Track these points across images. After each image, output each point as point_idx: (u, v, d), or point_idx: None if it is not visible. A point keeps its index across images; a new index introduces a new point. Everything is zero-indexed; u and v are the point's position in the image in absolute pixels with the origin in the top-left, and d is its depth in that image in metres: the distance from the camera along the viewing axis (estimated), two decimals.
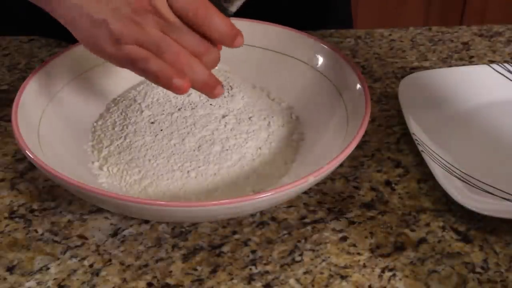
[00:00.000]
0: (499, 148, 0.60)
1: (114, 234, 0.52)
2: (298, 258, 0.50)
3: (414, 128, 0.60)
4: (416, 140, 0.58)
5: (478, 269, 0.49)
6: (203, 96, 0.59)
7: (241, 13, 0.64)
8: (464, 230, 0.52)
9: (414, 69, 0.72)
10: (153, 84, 0.61)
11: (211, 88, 0.50)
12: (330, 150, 0.53)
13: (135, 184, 0.53)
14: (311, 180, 0.48)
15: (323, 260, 0.50)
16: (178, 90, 0.47)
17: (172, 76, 0.47)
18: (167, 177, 0.53)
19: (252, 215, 0.53)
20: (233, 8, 0.53)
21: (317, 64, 0.62)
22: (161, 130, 0.56)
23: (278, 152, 0.57)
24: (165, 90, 0.60)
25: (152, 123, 0.57)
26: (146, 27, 0.48)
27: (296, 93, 0.63)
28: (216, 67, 0.64)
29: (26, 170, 0.58)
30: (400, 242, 0.51)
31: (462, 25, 0.82)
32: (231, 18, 0.64)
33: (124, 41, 0.47)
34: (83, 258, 0.50)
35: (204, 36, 0.49)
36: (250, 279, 0.48)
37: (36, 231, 0.52)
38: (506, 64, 0.68)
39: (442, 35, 0.79)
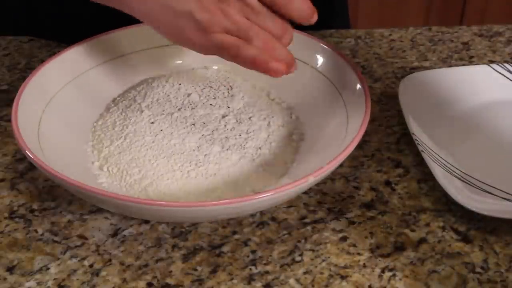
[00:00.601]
0: (499, 148, 0.60)
1: (114, 234, 0.52)
2: (298, 258, 0.50)
3: (414, 128, 0.60)
4: (416, 140, 0.58)
5: (478, 269, 0.49)
6: (203, 96, 0.59)
7: None
8: (464, 230, 0.52)
9: (414, 69, 0.72)
10: (153, 84, 0.61)
11: (291, 67, 0.50)
12: (330, 150, 0.53)
13: (135, 184, 0.53)
14: (311, 180, 0.48)
15: (323, 260, 0.50)
16: (276, 73, 0.49)
17: (268, 60, 0.48)
18: (167, 177, 0.53)
19: (252, 215, 0.53)
20: None
21: (317, 64, 0.62)
22: (161, 130, 0.56)
23: (278, 152, 0.57)
24: (165, 90, 0.60)
25: (152, 123, 0.57)
26: (232, 15, 0.49)
27: (296, 93, 0.63)
28: (216, 67, 0.65)
29: (26, 170, 0.58)
30: (400, 242, 0.51)
31: (462, 25, 0.82)
32: None
33: (213, 30, 0.48)
34: (83, 258, 0.50)
35: (282, 16, 0.50)
36: (250, 279, 0.48)
37: (36, 231, 0.52)
38: (506, 64, 0.68)
39: (442, 35, 0.79)
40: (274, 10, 0.50)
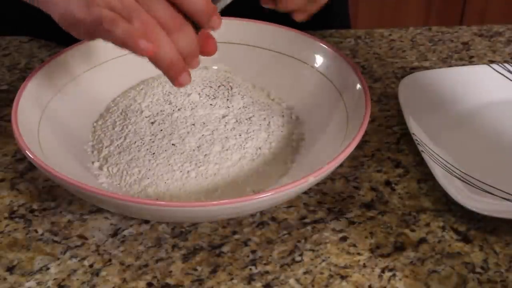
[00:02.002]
0: (499, 148, 0.60)
1: (114, 234, 0.52)
2: (298, 258, 0.50)
3: (414, 128, 0.60)
4: (416, 140, 0.58)
5: (478, 269, 0.49)
6: (203, 96, 0.59)
7: (241, 13, 0.64)
8: (464, 230, 0.52)
9: (414, 69, 0.72)
10: (153, 84, 0.61)
11: (175, 72, 0.47)
12: (330, 150, 0.53)
13: (135, 184, 0.53)
14: (311, 180, 0.48)
15: (323, 260, 0.50)
16: (143, 52, 0.45)
17: (138, 37, 0.45)
18: (167, 177, 0.53)
19: (252, 215, 0.53)
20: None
21: (317, 64, 0.62)
22: (161, 130, 0.56)
23: (278, 152, 0.57)
24: (165, 90, 0.60)
25: (152, 123, 0.57)
26: None
27: (296, 93, 0.63)
28: (216, 67, 0.65)
29: (26, 170, 0.58)
30: (400, 242, 0.51)
31: (462, 25, 0.82)
32: (231, 18, 0.64)
33: (96, 3, 0.46)
34: (83, 258, 0.50)
35: (180, 11, 0.47)
36: (250, 279, 0.48)
37: (36, 231, 0.52)
38: (506, 64, 0.68)
39: (442, 35, 0.79)
40: (173, 3, 0.47)
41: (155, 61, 0.47)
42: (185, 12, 0.47)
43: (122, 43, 0.46)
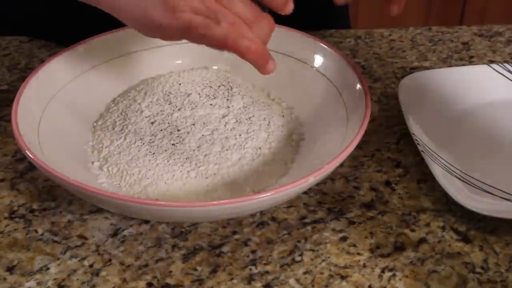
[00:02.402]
0: (499, 148, 0.60)
1: (114, 234, 0.52)
2: (298, 258, 0.50)
3: (414, 128, 0.60)
4: (416, 140, 0.58)
5: (478, 269, 0.49)
6: (203, 96, 0.59)
7: None
8: (464, 230, 0.52)
9: (414, 69, 0.72)
10: (153, 84, 0.61)
11: (263, 61, 0.49)
12: (330, 150, 0.53)
13: (135, 184, 0.53)
14: (311, 180, 0.48)
15: (323, 260, 0.50)
16: (246, 52, 0.47)
17: (238, 37, 0.47)
18: (167, 177, 0.53)
19: (252, 215, 0.53)
20: None
21: (317, 64, 0.62)
22: (161, 130, 0.56)
23: (278, 152, 0.57)
24: (165, 90, 0.60)
25: (152, 123, 0.57)
26: None
27: (296, 93, 0.63)
28: (216, 67, 0.65)
29: (26, 170, 0.58)
30: (400, 242, 0.51)
31: (462, 25, 0.82)
32: None
33: (181, 9, 0.47)
34: (83, 258, 0.50)
35: (255, 2, 0.49)
36: (250, 279, 0.48)
37: (36, 231, 0.52)
38: (506, 64, 0.68)
39: (442, 35, 0.79)
40: None
41: (246, 55, 0.47)
42: (264, 3, 0.49)
43: (219, 45, 0.47)
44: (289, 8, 0.50)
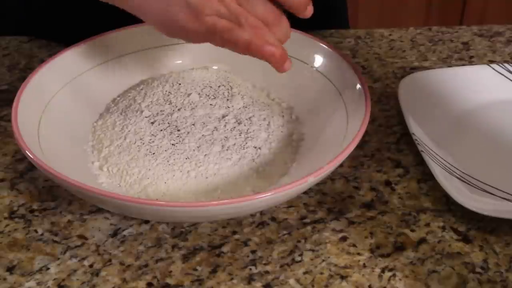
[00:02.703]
0: (499, 148, 0.60)
1: (114, 234, 0.52)
2: (298, 258, 0.50)
3: (414, 128, 0.60)
4: (416, 140, 0.58)
5: (478, 269, 0.49)
6: (203, 96, 0.59)
7: None
8: (464, 230, 0.52)
9: (414, 69, 0.72)
10: (153, 84, 0.61)
11: (283, 62, 0.50)
12: (330, 150, 0.53)
13: (135, 184, 0.53)
14: (311, 180, 0.48)
15: (323, 260, 0.50)
16: (271, 57, 0.48)
17: (263, 43, 0.48)
18: (167, 177, 0.53)
19: (252, 215, 0.53)
20: None
21: (317, 64, 0.62)
22: (161, 130, 0.56)
23: (278, 152, 0.57)
24: (165, 90, 0.60)
25: (152, 123, 0.57)
26: None
27: (296, 93, 0.63)
28: (216, 67, 0.65)
29: (26, 170, 0.58)
30: (400, 242, 0.51)
31: (462, 25, 0.82)
32: None
33: (205, 13, 0.48)
34: (83, 258, 0.50)
35: (277, 5, 0.50)
36: (250, 279, 0.48)
37: (36, 231, 0.52)
38: (506, 64, 0.68)
39: (442, 35, 0.79)
40: None
41: (269, 59, 0.49)
42: (285, 7, 0.50)
43: (245, 51, 0.49)
44: (309, 11, 0.51)
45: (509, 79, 0.67)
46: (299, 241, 0.51)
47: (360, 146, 0.60)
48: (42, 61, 0.71)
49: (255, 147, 0.56)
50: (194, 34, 0.49)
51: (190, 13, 0.48)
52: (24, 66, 0.72)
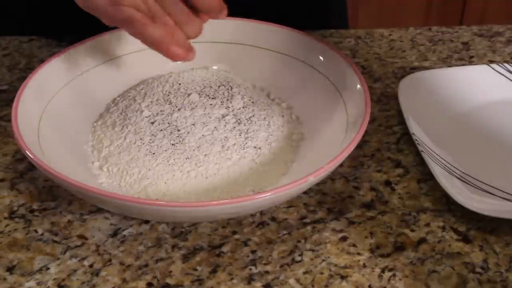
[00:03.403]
0: (499, 148, 0.60)
1: (114, 234, 0.52)
2: (298, 258, 0.50)
3: (414, 128, 0.60)
4: (416, 140, 0.58)
5: (478, 269, 0.49)
6: (203, 96, 0.59)
7: (240, 13, 0.64)
8: (464, 230, 0.52)
9: (414, 69, 0.72)
10: (153, 84, 0.61)
11: (189, 52, 0.52)
12: (330, 150, 0.53)
13: (135, 184, 0.53)
14: (311, 180, 0.48)
15: (323, 260, 0.50)
16: (174, 57, 0.51)
17: (170, 43, 0.50)
18: (167, 177, 0.53)
19: (252, 215, 0.53)
20: None
21: (317, 64, 0.62)
22: (161, 130, 0.56)
23: (278, 152, 0.57)
24: (165, 90, 0.60)
25: (152, 123, 0.57)
26: None
27: (296, 93, 0.63)
28: (216, 67, 0.65)
29: (26, 170, 0.58)
30: (400, 242, 0.51)
31: (462, 25, 0.82)
32: (231, 17, 0.64)
33: (124, 2, 0.50)
34: (83, 258, 0.50)
35: (190, 5, 0.52)
36: (250, 279, 0.48)
37: (36, 231, 0.52)
38: (506, 64, 0.68)
39: (442, 35, 0.79)
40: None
41: (173, 59, 0.52)
42: (199, 10, 0.52)
43: (152, 45, 0.51)
44: (224, 14, 0.53)
45: (509, 79, 0.67)
46: (299, 241, 0.51)
47: (360, 146, 0.60)
48: (42, 61, 0.71)
49: (255, 147, 0.56)
50: (109, 18, 0.51)
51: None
52: (24, 66, 0.72)
